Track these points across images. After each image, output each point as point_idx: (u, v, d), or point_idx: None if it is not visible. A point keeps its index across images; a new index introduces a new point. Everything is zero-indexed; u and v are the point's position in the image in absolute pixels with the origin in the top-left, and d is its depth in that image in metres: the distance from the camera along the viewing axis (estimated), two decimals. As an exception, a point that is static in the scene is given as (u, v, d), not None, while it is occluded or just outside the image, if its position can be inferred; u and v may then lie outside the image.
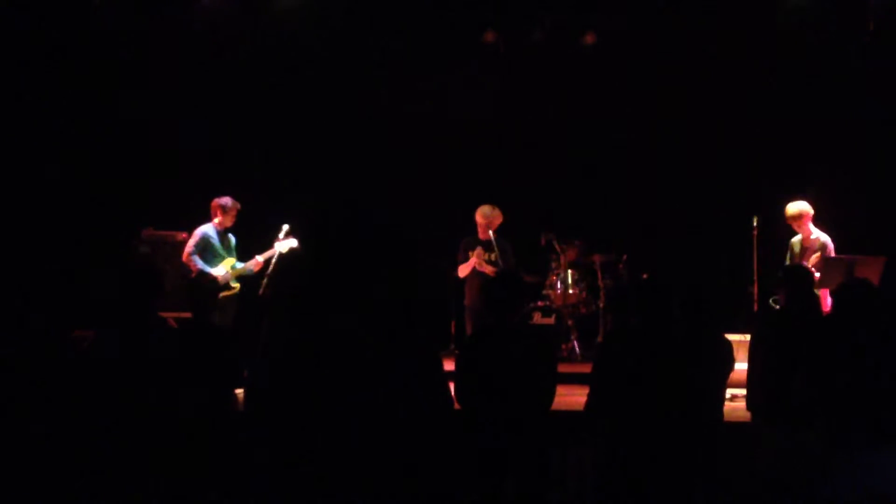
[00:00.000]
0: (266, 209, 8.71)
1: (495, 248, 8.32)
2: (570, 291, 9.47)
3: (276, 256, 7.96)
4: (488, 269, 8.21)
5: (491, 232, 8.38)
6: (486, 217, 8.40)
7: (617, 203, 10.07)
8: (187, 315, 7.62)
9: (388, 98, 9.89)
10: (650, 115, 9.93)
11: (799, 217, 7.90)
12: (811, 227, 7.93)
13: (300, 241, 8.01)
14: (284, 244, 8.00)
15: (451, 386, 4.63)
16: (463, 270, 8.50)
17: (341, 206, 10.01)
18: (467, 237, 8.55)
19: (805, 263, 7.50)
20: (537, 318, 9.44)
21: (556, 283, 9.50)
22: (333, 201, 10.03)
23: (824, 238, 7.90)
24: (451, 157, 10.06)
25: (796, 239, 8.03)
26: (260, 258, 8.03)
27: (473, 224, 8.51)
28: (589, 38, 9.77)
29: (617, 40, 9.79)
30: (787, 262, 7.90)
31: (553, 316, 9.46)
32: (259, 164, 9.85)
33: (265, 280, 7.79)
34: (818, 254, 7.76)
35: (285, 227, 8.06)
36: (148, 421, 4.55)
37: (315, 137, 9.95)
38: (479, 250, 8.40)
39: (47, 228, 8.99)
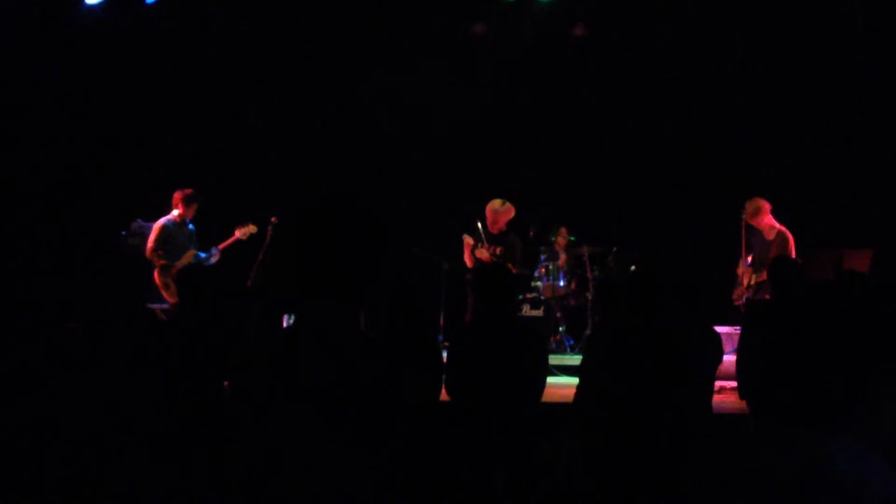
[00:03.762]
0: (256, 201, 8.69)
1: (504, 243, 8.28)
2: (559, 283, 9.49)
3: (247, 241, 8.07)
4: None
5: (503, 226, 8.36)
6: (493, 212, 8.36)
7: (606, 195, 10.08)
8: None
9: (377, 90, 9.86)
10: (639, 106, 9.94)
11: (759, 213, 7.93)
12: (772, 219, 7.98)
13: (292, 233, 8.00)
14: (245, 231, 8.12)
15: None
16: (468, 261, 8.50)
17: (333, 199, 9.97)
18: (477, 230, 8.47)
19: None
20: (527, 311, 9.44)
21: (544, 276, 9.51)
22: (325, 194, 9.99)
23: (785, 230, 7.96)
24: (441, 149, 10.05)
25: (757, 232, 8.09)
26: (220, 246, 8.16)
27: (464, 216, 8.48)
28: (578, 31, 9.76)
29: (606, 32, 9.79)
30: (749, 256, 8.03)
31: (542, 308, 9.46)
32: (249, 156, 9.83)
33: (253, 271, 7.80)
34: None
35: (273, 220, 8.06)
36: (137, 413, 4.53)
37: (306, 130, 9.93)
38: (468, 238, 8.38)
39: (37, 220, 8.95)
